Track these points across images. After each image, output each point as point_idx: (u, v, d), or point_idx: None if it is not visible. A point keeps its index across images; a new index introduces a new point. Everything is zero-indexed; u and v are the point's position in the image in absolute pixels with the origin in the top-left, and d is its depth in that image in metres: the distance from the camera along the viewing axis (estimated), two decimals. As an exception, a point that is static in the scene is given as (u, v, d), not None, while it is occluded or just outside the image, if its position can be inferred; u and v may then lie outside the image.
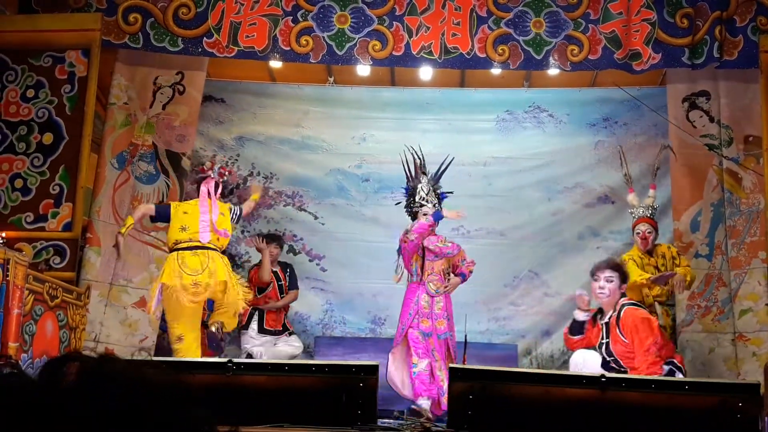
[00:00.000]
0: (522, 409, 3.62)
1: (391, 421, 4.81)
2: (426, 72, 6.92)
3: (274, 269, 6.60)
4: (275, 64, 6.88)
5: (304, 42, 6.16)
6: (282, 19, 6.17)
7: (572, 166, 7.63)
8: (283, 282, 6.67)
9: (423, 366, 5.59)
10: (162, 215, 5.67)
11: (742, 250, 6.24)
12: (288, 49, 6.17)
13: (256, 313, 6.49)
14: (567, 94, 7.62)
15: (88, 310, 5.81)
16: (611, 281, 4.97)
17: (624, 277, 5.06)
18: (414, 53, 6.16)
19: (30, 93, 5.99)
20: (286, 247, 7.72)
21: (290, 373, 3.65)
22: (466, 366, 4.18)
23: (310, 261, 7.62)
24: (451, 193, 6.11)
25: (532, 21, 6.17)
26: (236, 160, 7.63)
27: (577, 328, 5.16)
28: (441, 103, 7.78)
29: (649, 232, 5.88)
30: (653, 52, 6.08)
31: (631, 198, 6.11)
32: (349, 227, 7.68)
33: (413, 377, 5.59)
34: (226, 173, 6.33)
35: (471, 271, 5.95)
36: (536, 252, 7.56)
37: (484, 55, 6.17)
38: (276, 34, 6.15)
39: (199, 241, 5.44)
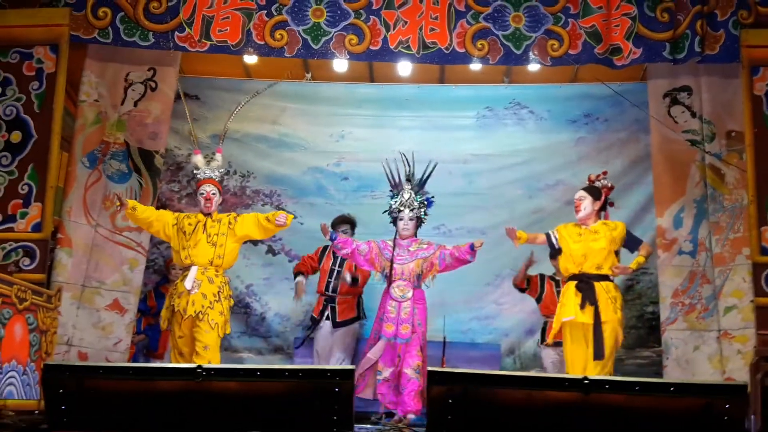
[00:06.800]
0: (503, 412, 3.54)
1: (369, 426, 4.71)
2: (404, 68, 6.82)
3: None
4: (250, 59, 6.78)
5: (279, 36, 6.06)
6: (256, 13, 6.08)
7: (553, 163, 7.60)
8: None
9: (387, 374, 5.65)
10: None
11: (726, 246, 6.18)
12: (262, 43, 6.07)
13: None
14: (547, 90, 7.57)
15: (59, 313, 5.72)
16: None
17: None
18: (391, 48, 6.07)
19: (-3, 90, 5.91)
20: (264, 248, 7.61)
21: (262, 378, 3.53)
22: (446, 369, 4.08)
23: (290, 261, 7.50)
24: (433, 198, 6.03)
25: (511, 15, 6.09)
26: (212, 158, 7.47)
27: None
28: (420, 99, 7.70)
29: (213, 193, 5.68)
30: (634, 47, 6.02)
31: (197, 159, 5.84)
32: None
33: (378, 384, 5.64)
34: None
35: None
36: (518, 250, 7.46)
37: (463, 50, 6.08)
38: (250, 28, 6.07)
39: None
